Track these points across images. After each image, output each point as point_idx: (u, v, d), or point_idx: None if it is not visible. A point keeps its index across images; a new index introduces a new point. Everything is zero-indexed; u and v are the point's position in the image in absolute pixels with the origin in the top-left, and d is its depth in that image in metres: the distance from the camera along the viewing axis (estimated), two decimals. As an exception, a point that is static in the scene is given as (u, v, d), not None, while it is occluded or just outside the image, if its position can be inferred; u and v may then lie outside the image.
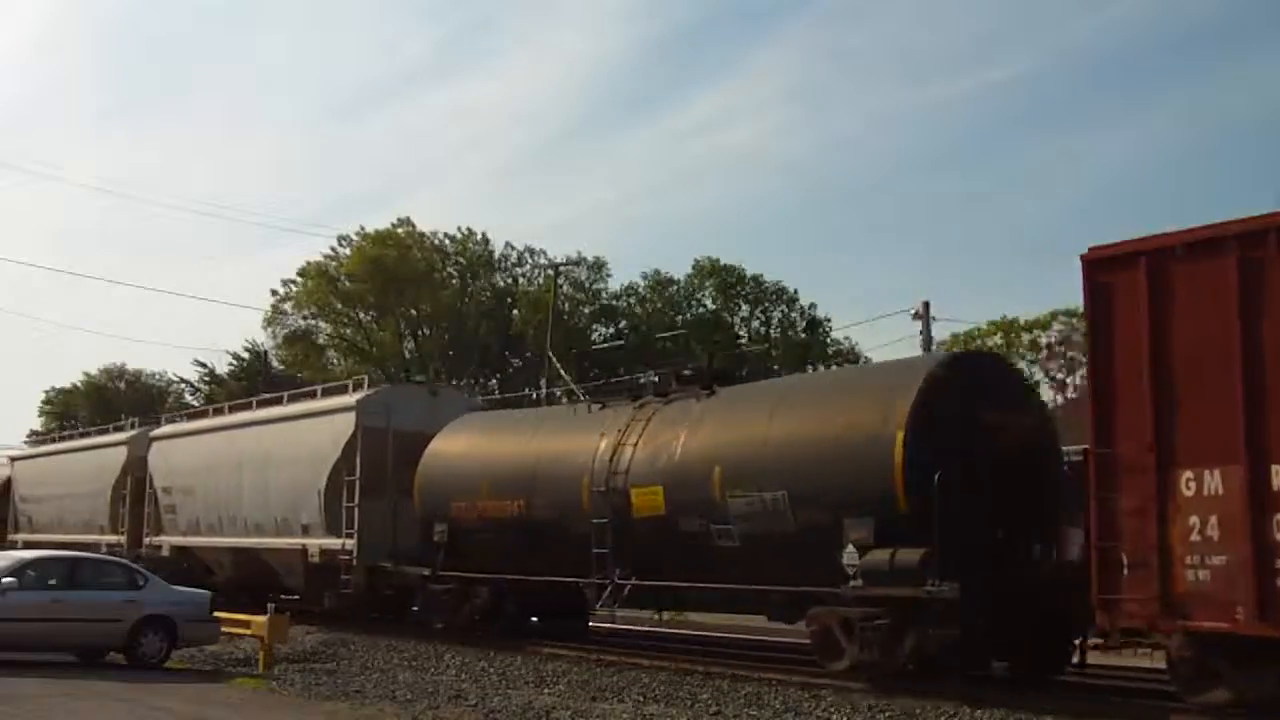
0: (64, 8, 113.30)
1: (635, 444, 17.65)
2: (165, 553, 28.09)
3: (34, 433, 76.93)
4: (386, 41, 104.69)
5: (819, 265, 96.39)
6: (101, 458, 32.17)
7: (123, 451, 30.88)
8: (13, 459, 37.68)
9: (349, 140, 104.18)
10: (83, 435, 37.51)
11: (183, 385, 74.99)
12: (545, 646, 18.74)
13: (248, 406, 28.63)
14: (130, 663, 17.12)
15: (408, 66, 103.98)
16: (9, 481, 37.48)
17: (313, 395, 26.72)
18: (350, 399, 23.72)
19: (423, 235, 63.86)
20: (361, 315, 64.80)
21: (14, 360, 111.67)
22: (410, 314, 63.38)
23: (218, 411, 30.86)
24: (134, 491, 29.85)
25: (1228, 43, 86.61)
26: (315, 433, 24.01)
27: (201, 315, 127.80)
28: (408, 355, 62.77)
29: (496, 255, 65.45)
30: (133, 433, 31.34)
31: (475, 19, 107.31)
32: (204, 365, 70.20)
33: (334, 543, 22.45)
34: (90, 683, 15.52)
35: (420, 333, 64.41)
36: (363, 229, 62.99)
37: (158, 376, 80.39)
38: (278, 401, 27.33)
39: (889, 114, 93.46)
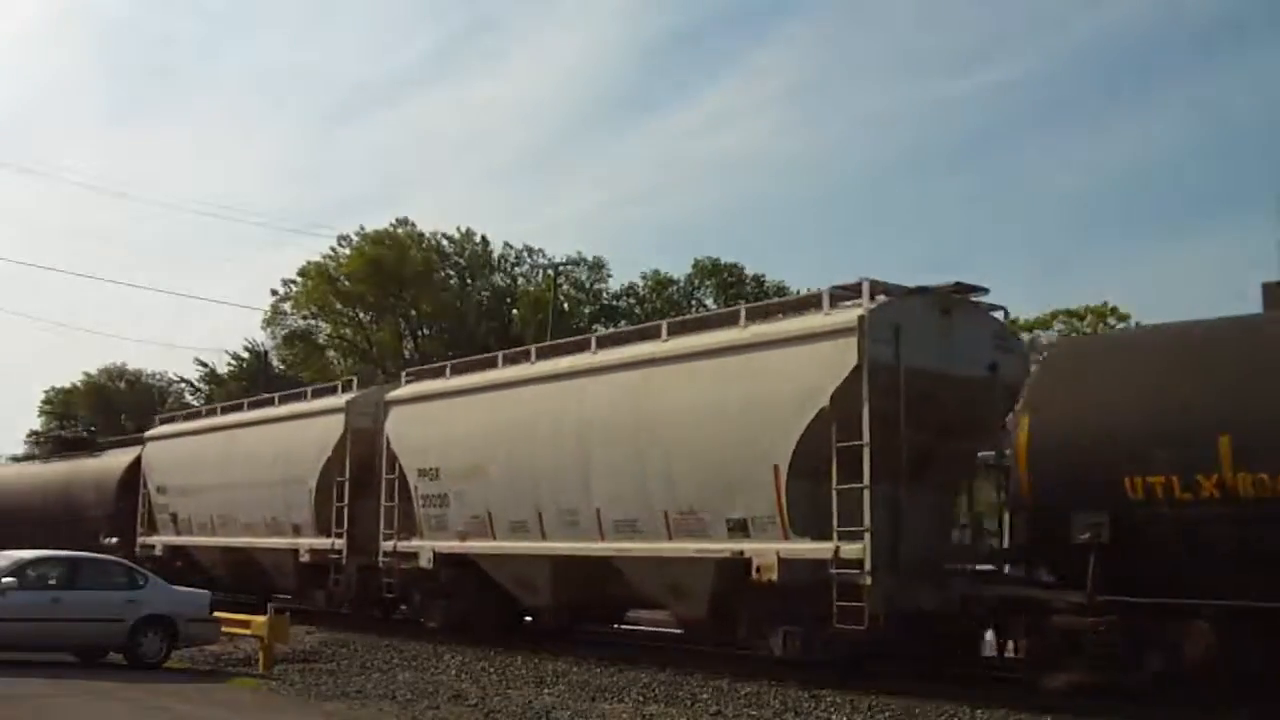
0: (64, 8, 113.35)
1: None
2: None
3: (34, 433, 76.97)
4: (387, 41, 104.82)
5: (819, 265, 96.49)
6: (305, 432, 24.21)
7: (338, 423, 23.18)
8: (145, 437, 30.61)
9: (349, 140, 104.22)
10: (265, 403, 27.54)
11: (183, 385, 75.09)
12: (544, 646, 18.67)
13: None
14: (130, 663, 17.10)
15: (408, 66, 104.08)
16: (136, 467, 30.30)
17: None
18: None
19: (422, 235, 63.94)
20: (361, 315, 64.84)
21: (14, 360, 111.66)
22: (410, 314, 63.45)
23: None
24: (356, 478, 22.66)
25: (1229, 41, 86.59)
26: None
27: (201, 315, 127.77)
28: (407, 355, 62.79)
29: (496, 255, 65.57)
30: (352, 395, 23.53)
31: (476, 19, 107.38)
32: (204, 365, 70.34)
33: (814, 549, 16.21)
34: (90, 683, 15.50)
35: (420, 333, 64.44)
36: (362, 229, 63.10)
37: (158, 376, 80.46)
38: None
39: (889, 114, 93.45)
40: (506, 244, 65.48)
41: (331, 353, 66.84)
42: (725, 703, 13.76)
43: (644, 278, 66.30)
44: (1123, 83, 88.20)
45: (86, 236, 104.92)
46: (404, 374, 23.41)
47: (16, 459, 52.40)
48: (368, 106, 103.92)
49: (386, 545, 21.22)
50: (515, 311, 63.18)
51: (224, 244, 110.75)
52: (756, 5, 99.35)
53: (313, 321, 66.31)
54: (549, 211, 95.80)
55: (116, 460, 31.69)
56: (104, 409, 79.72)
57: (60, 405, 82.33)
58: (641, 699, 14.17)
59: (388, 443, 21.62)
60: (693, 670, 15.95)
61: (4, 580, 16.53)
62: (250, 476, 24.99)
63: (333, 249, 63.46)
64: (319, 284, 63.25)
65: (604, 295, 65.56)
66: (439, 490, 20.24)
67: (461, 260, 65.22)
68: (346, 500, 22.28)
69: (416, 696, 14.37)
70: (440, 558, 20.26)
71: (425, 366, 24.07)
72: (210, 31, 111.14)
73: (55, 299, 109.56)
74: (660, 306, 64.24)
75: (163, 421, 31.38)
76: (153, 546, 27.94)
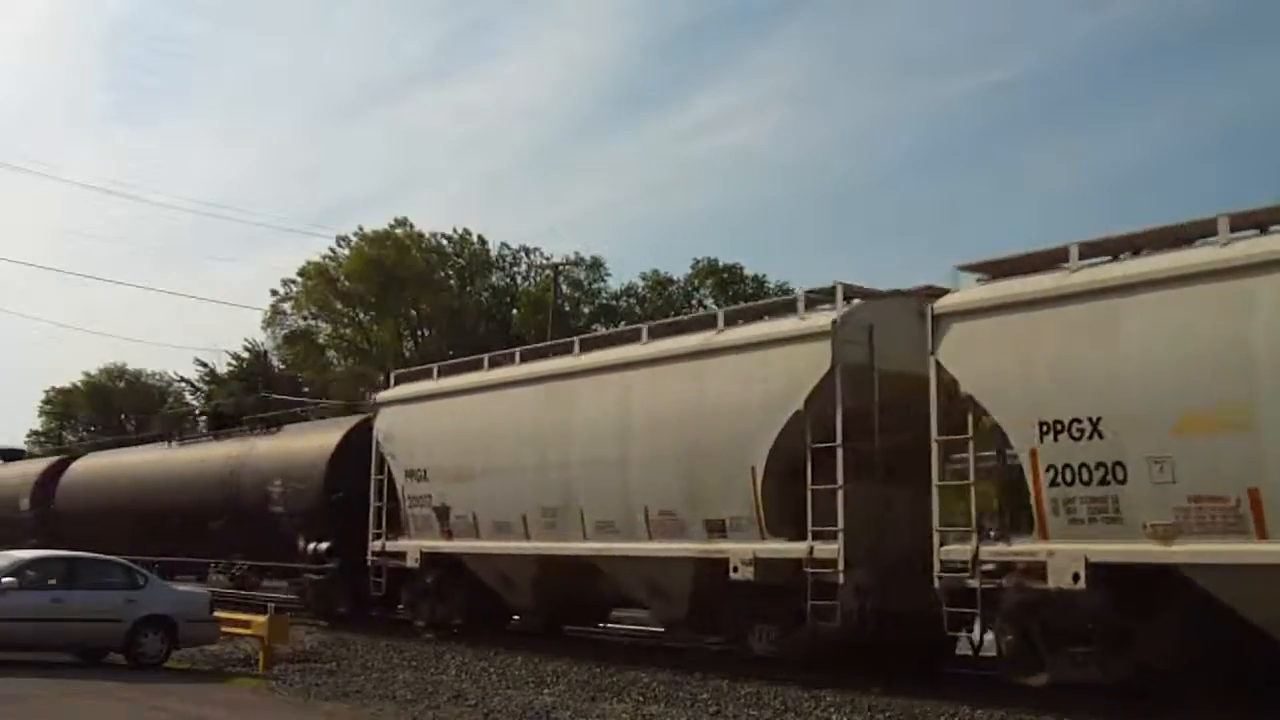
0: (64, 8, 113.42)
1: None
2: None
3: (34, 433, 77.04)
4: (386, 41, 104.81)
5: (819, 265, 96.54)
6: (743, 373, 15.68)
7: (816, 356, 14.74)
8: (379, 401, 22.86)
9: (349, 140, 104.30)
10: (623, 339, 18.93)
11: (183, 385, 75.14)
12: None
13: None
14: (130, 663, 17.10)
15: (408, 66, 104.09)
16: (349, 445, 22.99)
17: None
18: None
19: (420, 235, 63.98)
20: (361, 315, 64.88)
21: (14, 360, 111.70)
22: (410, 314, 63.50)
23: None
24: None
25: (1228, 42, 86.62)
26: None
27: (201, 315, 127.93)
28: (407, 355, 62.84)
29: (494, 255, 65.62)
30: (837, 309, 14.97)
31: (475, 19, 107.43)
32: (204, 365, 70.36)
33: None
34: (90, 683, 15.51)
35: (420, 333, 64.48)
36: (361, 229, 63.14)
37: (158, 376, 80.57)
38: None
39: (889, 114, 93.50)
40: (504, 244, 65.57)
41: (331, 353, 66.88)
42: (725, 703, 13.75)
43: (644, 277, 66.39)
44: (1122, 83, 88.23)
45: (86, 236, 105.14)
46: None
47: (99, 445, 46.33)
48: (368, 106, 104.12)
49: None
50: (515, 312, 63.21)
51: (224, 244, 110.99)
52: (756, 5, 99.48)
53: (313, 321, 66.37)
54: (549, 211, 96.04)
55: (319, 438, 24.24)
56: (104, 409, 79.83)
57: (60, 405, 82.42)
58: (641, 699, 14.16)
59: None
60: (693, 670, 15.94)
61: (4, 580, 16.53)
62: (609, 449, 17.00)
63: (332, 249, 63.57)
64: (319, 284, 63.30)
65: (603, 295, 65.62)
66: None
67: (460, 260, 65.27)
68: (841, 479, 14.19)
69: (416, 696, 14.37)
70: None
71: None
72: (210, 31, 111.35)
73: (55, 299, 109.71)
74: (660, 306, 64.30)
75: (402, 380, 22.94)
76: (400, 555, 20.89)
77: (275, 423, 27.69)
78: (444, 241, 64.69)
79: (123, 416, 78.20)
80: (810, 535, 14.38)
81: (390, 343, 63.96)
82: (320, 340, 66.86)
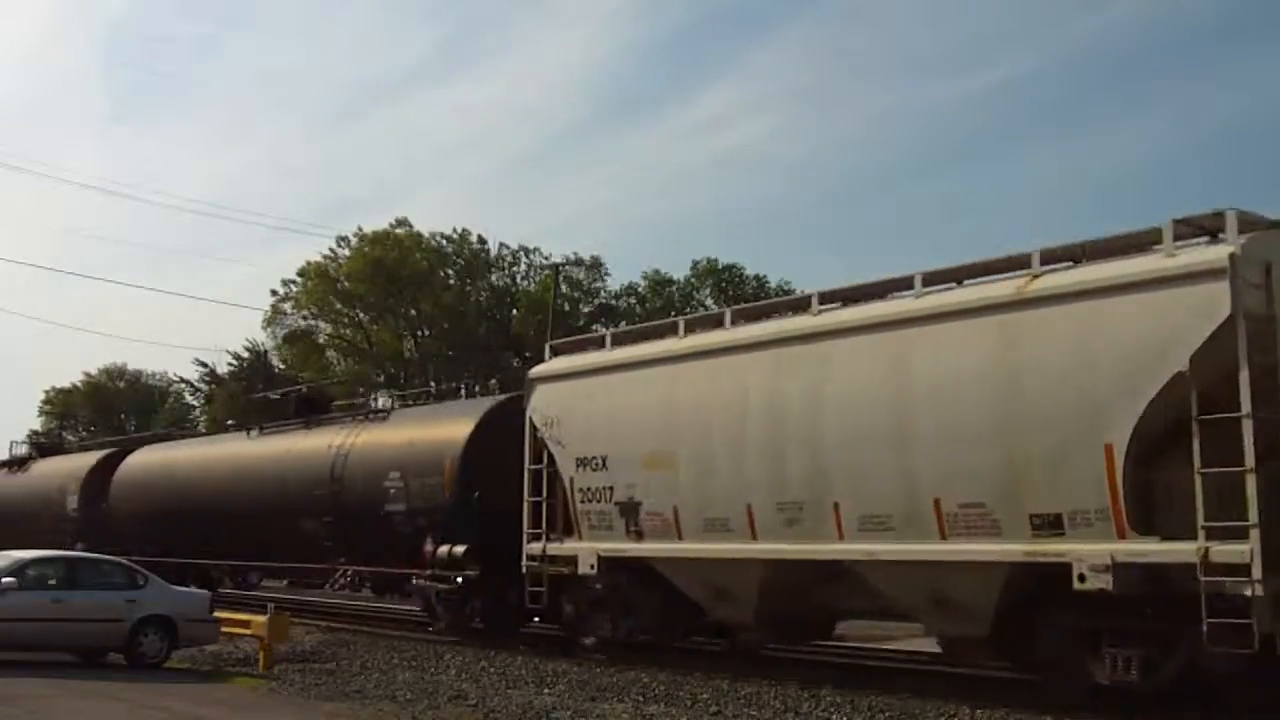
0: (64, 8, 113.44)
1: None
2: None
3: (33, 433, 77.00)
4: (386, 42, 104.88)
5: (819, 265, 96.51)
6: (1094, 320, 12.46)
7: (1213, 297, 11.56)
8: (533, 377, 18.98)
9: (349, 140, 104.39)
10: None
11: (183, 385, 75.16)
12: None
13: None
14: (130, 663, 17.08)
15: (408, 66, 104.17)
16: (481, 433, 20.02)
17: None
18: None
19: (420, 235, 64.02)
20: (361, 315, 64.91)
21: (14, 360, 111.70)
22: (410, 314, 63.53)
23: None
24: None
25: (1227, 43, 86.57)
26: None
27: (201, 315, 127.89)
28: (408, 355, 62.87)
29: (494, 255, 65.66)
30: (1234, 243, 11.67)
31: (475, 19, 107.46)
32: (204, 365, 70.35)
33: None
34: (90, 683, 15.49)
35: (420, 333, 64.51)
36: (361, 229, 63.17)
37: (158, 376, 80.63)
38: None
39: (890, 114, 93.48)
40: (503, 245, 65.60)
41: (331, 353, 66.91)
42: (725, 703, 13.74)
43: (644, 277, 66.44)
44: (1122, 83, 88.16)
45: (86, 236, 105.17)
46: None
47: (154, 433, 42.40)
48: (368, 106, 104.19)
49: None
50: (515, 312, 63.25)
51: (224, 244, 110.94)
52: (757, 5, 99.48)
53: (313, 322, 66.41)
54: (548, 211, 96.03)
55: (449, 426, 20.92)
56: (104, 409, 79.86)
57: (60, 405, 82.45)
58: (641, 699, 14.15)
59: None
60: (693, 670, 15.94)
61: (4, 580, 16.51)
62: (879, 424, 13.82)
63: (332, 249, 63.60)
64: (319, 284, 63.33)
65: (602, 294, 65.67)
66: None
67: (460, 260, 65.31)
68: (1251, 460, 11.11)
69: (416, 696, 14.35)
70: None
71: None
72: (210, 31, 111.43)
73: (55, 299, 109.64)
74: (660, 306, 64.35)
75: (558, 352, 19.41)
76: (567, 560, 17.70)
77: (364, 411, 25.21)
78: (444, 242, 64.74)
79: (122, 416, 78.25)
80: (1203, 533, 11.24)
81: (390, 343, 64.02)
82: (320, 340, 66.90)
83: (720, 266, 65.52)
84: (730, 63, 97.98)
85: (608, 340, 18.54)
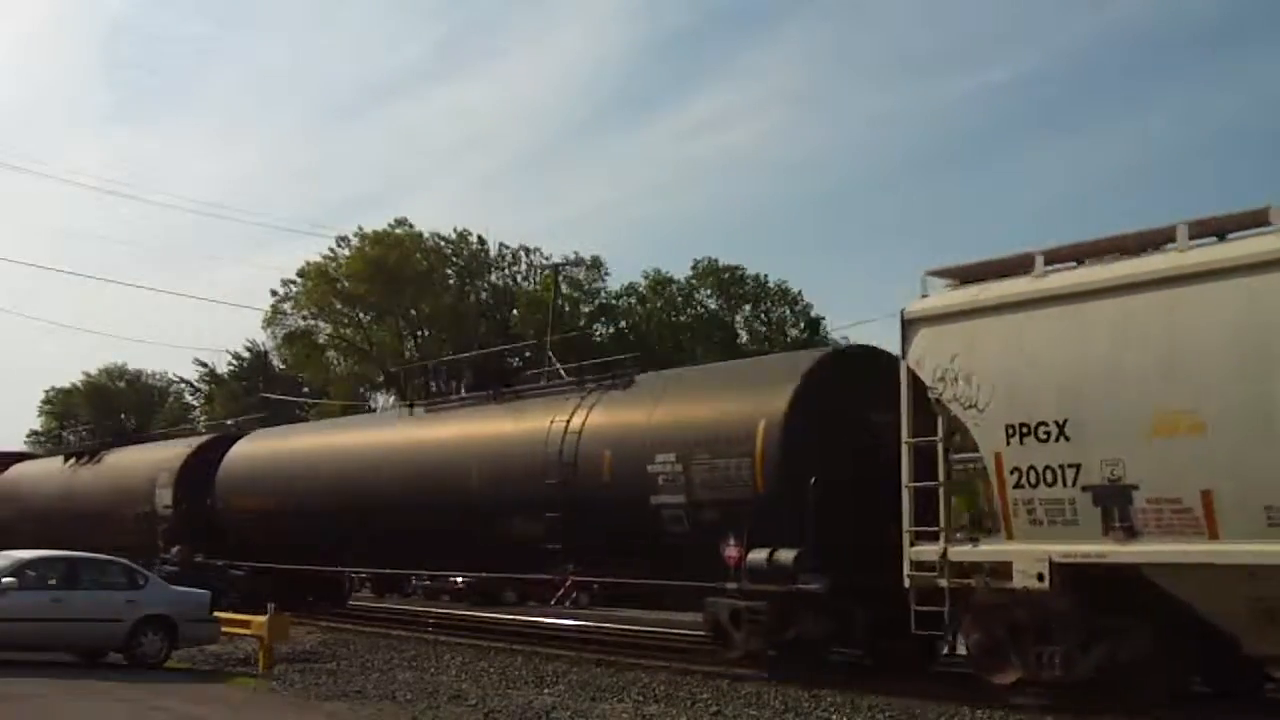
0: (64, 8, 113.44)
1: None
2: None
3: (33, 433, 76.97)
4: (387, 41, 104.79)
5: (819, 265, 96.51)
6: None
7: None
8: (912, 317, 14.44)
9: (349, 140, 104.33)
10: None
11: (183, 385, 75.16)
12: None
13: None
14: (130, 663, 17.10)
15: (408, 66, 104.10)
16: (829, 391, 15.66)
17: None
18: None
19: (420, 236, 63.99)
20: (361, 315, 64.89)
21: (14, 360, 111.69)
22: (410, 314, 63.51)
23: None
24: None
25: (1227, 43, 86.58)
26: None
27: (201, 315, 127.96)
28: (408, 355, 62.82)
29: (493, 255, 65.62)
30: None
31: (476, 19, 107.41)
32: (204, 365, 70.35)
33: None
34: (90, 683, 15.51)
35: (420, 333, 64.51)
36: (360, 229, 63.16)
37: (158, 376, 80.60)
38: None
39: (889, 114, 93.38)
40: (503, 245, 65.58)
41: (331, 353, 66.88)
42: (725, 703, 13.74)
43: (645, 276, 66.39)
44: (1122, 83, 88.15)
45: (86, 236, 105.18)
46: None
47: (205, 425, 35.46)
48: (368, 106, 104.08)
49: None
50: (515, 312, 63.24)
51: (224, 244, 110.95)
52: (757, 5, 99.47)
53: (313, 322, 66.36)
54: (549, 211, 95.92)
55: (748, 397, 16.37)
56: (104, 409, 79.82)
57: (60, 405, 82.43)
58: (641, 699, 14.16)
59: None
60: (693, 670, 15.94)
61: (4, 580, 16.53)
62: None
63: (332, 249, 63.57)
64: (319, 284, 63.28)
65: (602, 294, 65.63)
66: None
67: (460, 260, 65.27)
68: None
69: (416, 696, 14.36)
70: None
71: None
72: (210, 31, 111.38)
73: (55, 299, 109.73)
74: (660, 306, 64.31)
75: (955, 278, 14.69)
76: (994, 571, 13.24)
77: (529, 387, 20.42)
78: (443, 242, 64.71)
79: (122, 416, 78.24)
80: None
81: (390, 343, 63.95)
82: (320, 340, 66.82)
83: (720, 266, 65.43)
84: (730, 62, 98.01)
85: (1038, 262, 13.48)
